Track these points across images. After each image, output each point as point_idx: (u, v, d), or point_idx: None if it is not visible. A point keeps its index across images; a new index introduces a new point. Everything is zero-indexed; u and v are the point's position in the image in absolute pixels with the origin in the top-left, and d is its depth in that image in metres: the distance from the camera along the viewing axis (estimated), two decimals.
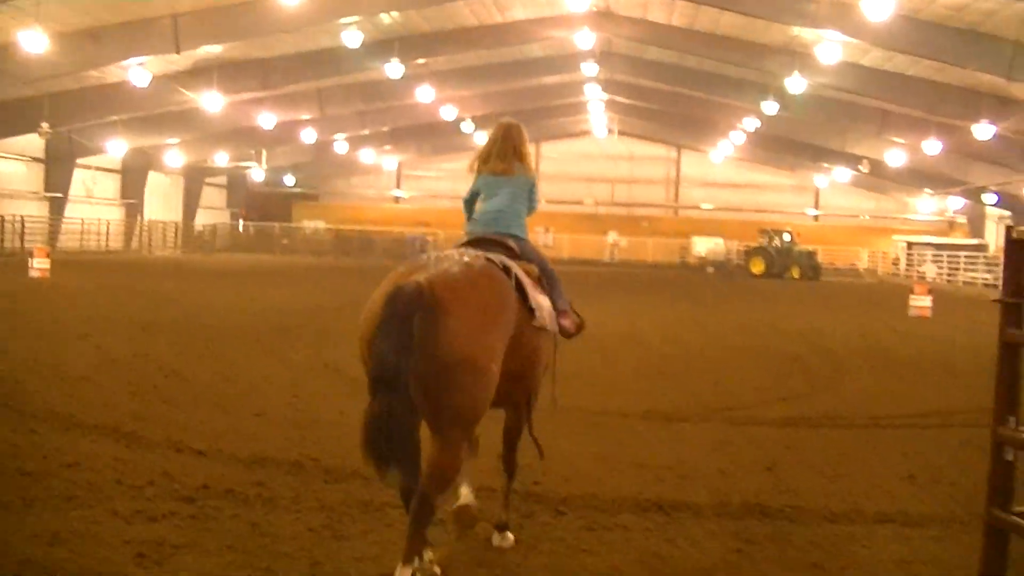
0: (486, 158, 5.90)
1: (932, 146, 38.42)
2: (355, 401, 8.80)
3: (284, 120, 42.86)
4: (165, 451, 7.38)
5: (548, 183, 52.97)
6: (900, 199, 60.23)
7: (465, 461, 5.58)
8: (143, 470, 6.73)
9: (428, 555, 4.81)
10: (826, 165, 55.80)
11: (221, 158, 51.24)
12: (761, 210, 59.57)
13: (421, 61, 37.04)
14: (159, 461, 7.03)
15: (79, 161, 43.39)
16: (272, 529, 5.63)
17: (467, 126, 50.27)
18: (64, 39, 28.11)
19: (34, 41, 26.75)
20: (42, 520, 5.55)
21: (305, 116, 44.42)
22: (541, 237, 53.70)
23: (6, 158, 40.01)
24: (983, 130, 33.42)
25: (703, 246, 59.49)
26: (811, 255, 51.15)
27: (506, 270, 5.08)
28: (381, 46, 34.00)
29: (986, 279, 43.48)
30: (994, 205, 48.97)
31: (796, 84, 33.77)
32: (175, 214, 54.31)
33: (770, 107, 38.84)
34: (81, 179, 44.87)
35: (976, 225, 54.31)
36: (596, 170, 61.60)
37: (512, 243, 5.54)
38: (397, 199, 65.12)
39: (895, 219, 60.29)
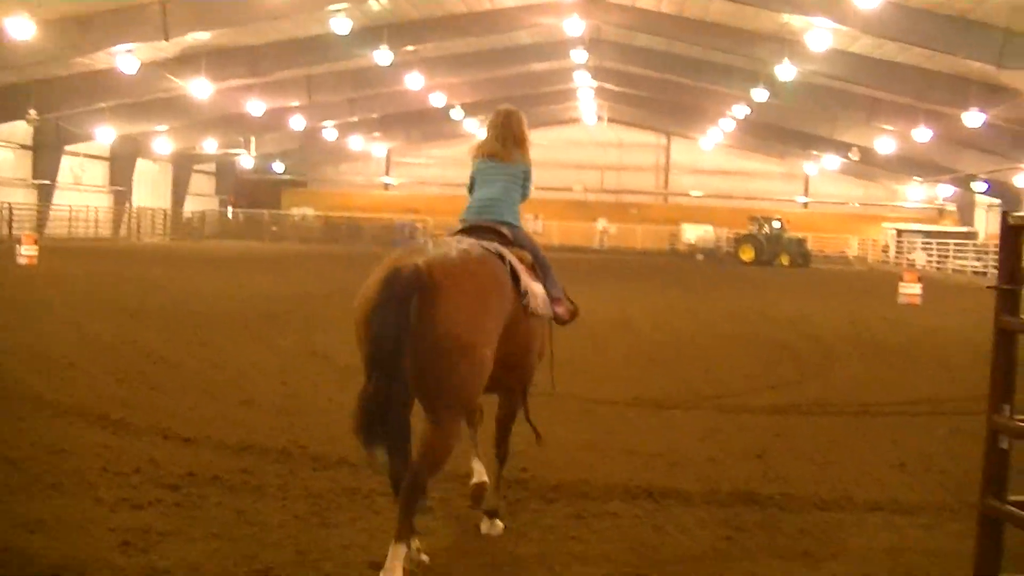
0: (485, 144, 5.92)
1: (922, 134, 38.46)
2: (343, 388, 8.84)
3: (273, 107, 42.70)
4: (152, 438, 7.34)
5: (537, 170, 50.51)
6: (890, 187, 60.37)
7: (470, 437, 5.59)
8: (129, 457, 6.69)
9: (415, 543, 4.79)
10: (816, 152, 55.86)
11: (210, 145, 51.03)
12: (751, 197, 59.48)
13: (410, 48, 36.92)
14: (145, 448, 7.00)
15: (67, 148, 43.26)
16: (259, 517, 5.59)
17: (456, 113, 50.21)
18: (52, 26, 27.90)
19: (22, 28, 26.60)
20: (26, 507, 5.50)
21: (294, 103, 44.34)
22: (530, 224, 53.55)
23: None
24: (973, 118, 33.47)
25: (692, 233, 59.49)
26: (801, 243, 51.11)
27: (500, 257, 5.10)
28: (370, 33, 33.86)
29: (975, 267, 43.59)
30: (983, 193, 49.15)
31: (786, 71, 33.78)
32: (163, 201, 54.09)
33: (760, 94, 38.89)
34: (69, 166, 44.69)
35: (965, 213, 54.47)
36: (585, 157, 61.38)
37: (505, 230, 5.55)
38: (386, 186, 65.01)
39: (885, 207, 60.39)
